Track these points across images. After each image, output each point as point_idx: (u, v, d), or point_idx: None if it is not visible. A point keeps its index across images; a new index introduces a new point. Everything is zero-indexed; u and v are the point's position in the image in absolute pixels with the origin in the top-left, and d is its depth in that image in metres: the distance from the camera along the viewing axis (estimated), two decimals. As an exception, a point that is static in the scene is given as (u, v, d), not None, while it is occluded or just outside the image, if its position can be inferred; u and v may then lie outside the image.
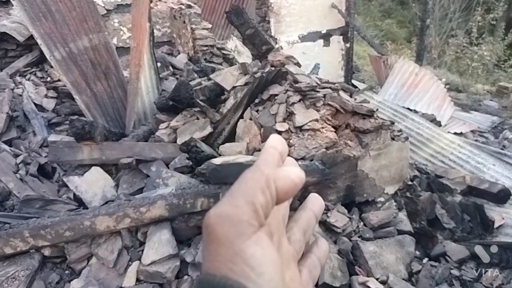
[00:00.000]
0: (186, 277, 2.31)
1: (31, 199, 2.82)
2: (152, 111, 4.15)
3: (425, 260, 2.65)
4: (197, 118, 3.27)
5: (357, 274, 2.37)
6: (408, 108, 5.17)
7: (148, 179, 3.03)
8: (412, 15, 16.50)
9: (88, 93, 4.12)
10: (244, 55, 5.33)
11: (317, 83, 2.96)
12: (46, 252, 2.44)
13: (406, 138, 2.99)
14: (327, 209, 2.63)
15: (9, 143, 4.23)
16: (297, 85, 2.84)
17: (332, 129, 2.80)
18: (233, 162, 2.41)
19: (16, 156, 3.86)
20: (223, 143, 3.09)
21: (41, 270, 2.44)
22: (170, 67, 4.88)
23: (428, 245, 2.78)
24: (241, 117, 3.08)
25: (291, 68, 2.95)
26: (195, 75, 4.29)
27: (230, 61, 5.07)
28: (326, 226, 2.56)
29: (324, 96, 2.89)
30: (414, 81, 5.96)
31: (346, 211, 2.73)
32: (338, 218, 2.58)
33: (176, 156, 3.02)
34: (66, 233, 2.36)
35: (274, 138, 0.47)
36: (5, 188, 3.57)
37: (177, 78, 4.74)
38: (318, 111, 2.82)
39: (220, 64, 4.97)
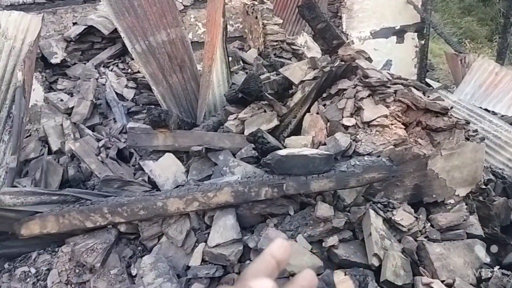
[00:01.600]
0: (248, 261, 2.39)
1: (111, 180, 3.06)
2: (222, 103, 4.30)
3: (496, 268, 2.51)
4: (265, 111, 3.35)
5: (421, 275, 2.31)
6: (486, 109, 4.86)
7: (216, 167, 3.16)
8: (495, 12, 15.36)
9: (164, 85, 4.37)
10: (314, 51, 5.33)
11: (388, 78, 2.90)
12: (122, 228, 2.65)
13: (482, 139, 2.84)
14: (392, 207, 2.58)
15: (92, 128, 4.61)
16: (367, 80, 2.81)
17: (402, 126, 2.74)
18: (298, 154, 2.45)
19: (98, 140, 4.20)
20: (288, 136, 3.14)
21: (116, 244, 2.66)
22: (241, 62, 5.02)
23: (500, 252, 2.63)
24: (308, 111, 3.10)
25: (362, 63, 2.92)
26: (265, 69, 4.37)
27: (299, 56, 5.10)
28: (390, 224, 2.52)
29: (395, 92, 2.83)
30: (494, 81, 5.58)
31: (412, 210, 2.66)
32: (404, 217, 2.52)
33: (243, 147, 3.12)
34: (140, 212, 2.55)
35: (276, 244, 0.51)
36: (88, 169, 3.91)
37: (246, 73, 4.86)
38: (388, 107, 2.76)
39: (289, 59, 5.02)
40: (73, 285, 2.46)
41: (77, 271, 2.50)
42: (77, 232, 2.70)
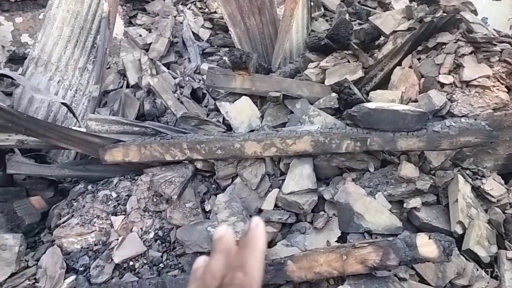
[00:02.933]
0: (322, 212, 2.36)
1: (188, 117, 3.10)
2: (299, 51, 4.15)
3: None
4: (348, 61, 3.18)
5: (506, 249, 2.16)
6: None
7: (291, 115, 3.09)
8: None
9: (241, 27, 4.26)
10: (401, 1, 4.93)
11: (494, 35, 2.61)
12: (199, 165, 2.70)
13: None
14: (482, 175, 2.40)
15: (167, 66, 4.66)
16: (471, 35, 2.54)
17: (505, 89, 2.48)
18: (388, 109, 2.30)
19: (173, 78, 4.25)
20: (372, 89, 2.97)
21: (192, 180, 2.72)
22: (322, 8, 4.76)
23: None
24: (399, 64, 2.89)
25: (467, 16, 2.64)
26: (347, 17, 4.12)
27: (385, 6, 4.74)
28: (478, 193, 2.35)
29: (502, 51, 2.54)
30: None
31: (503, 181, 2.46)
32: (494, 187, 2.34)
33: (322, 97, 3.00)
34: (218, 151, 2.56)
35: (222, 238, 0.56)
36: (163, 104, 3.99)
37: (326, 20, 4.61)
38: (491, 67, 2.50)
39: (374, 8, 4.69)
40: (150, 213, 2.57)
41: (154, 200, 2.61)
42: (155, 164, 2.78)
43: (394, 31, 2.99)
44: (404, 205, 2.24)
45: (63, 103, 3.09)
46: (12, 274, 2.33)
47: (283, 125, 3.05)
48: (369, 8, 4.34)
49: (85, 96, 3.72)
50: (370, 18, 3.26)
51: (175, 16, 4.89)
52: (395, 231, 2.14)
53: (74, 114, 3.15)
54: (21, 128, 2.70)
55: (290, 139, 2.46)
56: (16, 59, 4.94)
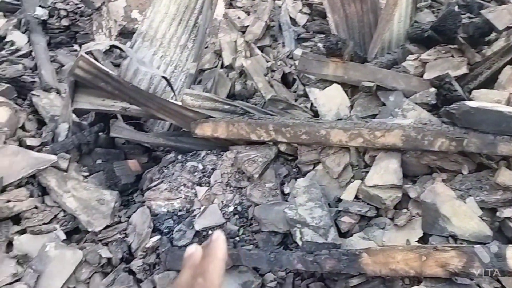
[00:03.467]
0: (405, 210, 2.27)
1: (277, 100, 3.14)
2: (398, 41, 3.96)
3: None
4: (452, 56, 2.97)
5: None
6: None
7: (383, 107, 2.98)
8: None
9: (340, 13, 4.17)
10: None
11: None
12: (282, 147, 2.73)
13: None
14: None
15: (261, 49, 4.74)
16: None
17: None
18: (491, 109, 2.13)
19: (266, 61, 4.32)
20: (476, 88, 2.75)
21: (274, 161, 2.77)
22: (428, -2, 4.48)
23: None
24: (509, 63, 2.64)
25: None
26: (456, 9, 3.83)
27: (500, 0, 4.31)
28: None
29: None
30: None
31: None
32: None
33: (419, 91, 2.85)
34: (302, 136, 2.57)
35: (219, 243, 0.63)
36: (253, 86, 4.08)
37: (433, 11, 4.34)
38: None
39: (488, 1, 4.29)
40: (231, 188, 2.67)
41: (237, 176, 2.70)
42: (240, 142, 2.88)
43: (508, 27, 2.72)
44: (497, 213, 2.07)
45: (163, 77, 3.31)
46: (107, 226, 2.59)
47: (373, 116, 2.96)
48: (482, 1, 3.98)
49: (183, 72, 3.94)
50: (482, 11, 2.99)
51: (274, 0, 4.94)
52: (484, 239, 1.99)
53: (172, 88, 3.35)
54: (126, 96, 2.96)
55: (379, 131, 2.39)
56: (126, 34, 5.37)
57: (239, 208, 2.56)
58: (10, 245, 2.45)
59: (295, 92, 4.06)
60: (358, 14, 4.25)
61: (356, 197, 2.41)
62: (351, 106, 3.10)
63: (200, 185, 2.72)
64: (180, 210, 2.64)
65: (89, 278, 2.38)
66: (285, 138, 2.64)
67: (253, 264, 2.13)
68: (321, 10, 4.69)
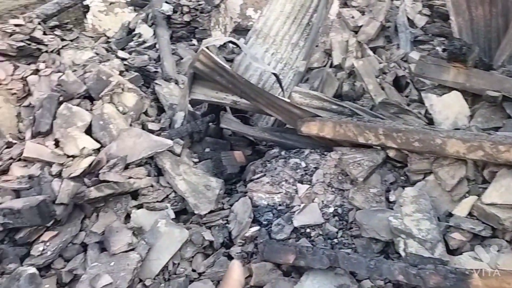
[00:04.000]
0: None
1: (388, 104, 3.03)
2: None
3: None
4: None
5: None
6: None
7: (508, 120, 2.72)
8: None
9: (465, 16, 3.87)
10: None
11: None
12: (391, 153, 2.63)
13: None
14: None
15: (373, 50, 4.60)
16: None
17: None
18: None
19: (378, 63, 4.18)
20: None
21: (381, 167, 2.68)
22: None
23: None
24: None
25: None
26: None
27: None
28: None
29: None
30: None
31: None
32: None
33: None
34: (415, 143, 2.44)
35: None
36: (362, 88, 3.98)
37: None
38: None
39: None
40: (333, 189, 2.65)
41: (339, 178, 2.67)
42: (345, 143, 2.83)
43: None
44: None
45: (274, 74, 3.40)
46: (211, 211, 2.74)
47: (496, 129, 2.71)
48: None
49: (292, 70, 4.00)
50: None
51: (392, 0, 4.76)
52: None
53: (281, 85, 3.42)
54: (237, 90, 3.09)
55: (504, 146, 2.17)
56: (239, 30, 5.60)
57: (339, 210, 2.53)
58: (128, 217, 2.72)
59: (407, 96, 3.87)
60: (486, 18, 3.91)
61: (470, 214, 2.23)
62: (471, 116, 2.87)
63: (301, 182, 2.74)
64: (280, 205, 2.69)
65: (192, 257, 2.55)
66: (395, 144, 2.53)
67: (351, 269, 2.09)
68: (443, 12, 4.41)
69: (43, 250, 2.50)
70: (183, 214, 2.84)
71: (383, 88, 3.71)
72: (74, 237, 2.58)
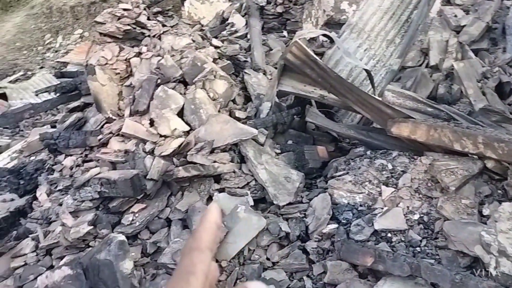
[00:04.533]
0: None
1: (490, 111, 2.80)
2: None
3: None
4: None
5: None
6: None
7: None
8: None
9: None
10: None
11: None
12: (489, 164, 2.43)
13: None
14: None
15: (475, 52, 4.27)
16: None
17: None
18: None
19: (481, 66, 3.87)
20: None
21: (476, 177, 2.49)
22: None
23: None
24: None
25: None
26: None
27: None
28: None
29: None
30: None
31: None
32: None
33: None
34: (519, 155, 2.24)
35: (212, 210, 0.56)
36: (461, 91, 3.72)
37: None
38: None
39: None
40: (420, 195, 2.52)
41: (429, 184, 2.53)
42: (437, 149, 2.67)
43: None
44: None
45: (366, 70, 3.29)
46: (290, 203, 2.75)
47: None
48: None
49: (384, 67, 3.85)
50: None
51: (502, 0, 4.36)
52: None
53: (372, 83, 3.31)
54: (327, 85, 3.05)
55: None
56: (331, 24, 5.49)
57: (425, 218, 2.40)
58: (210, 199, 2.83)
59: (510, 105, 3.55)
60: None
61: None
62: None
63: (386, 185, 2.64)
64: (361, 205, 2.62)
65: (268, 245, 2.58)
66: (496, 155, 2.34)
67: (434, 280, 1.98)
68: None
69: (132, 220, 2.70)
70: (261, 202, 2.89)
71: (484, 94, 3.43)
72: (160, 211, 2.74)
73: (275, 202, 2.75)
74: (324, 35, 3.38)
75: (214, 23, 5.72)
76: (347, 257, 2.27)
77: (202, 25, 5.93)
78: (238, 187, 2.83)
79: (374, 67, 3.78)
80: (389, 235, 2.41)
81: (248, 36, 4.91)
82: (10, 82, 6.42)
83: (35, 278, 2.50)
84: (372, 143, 3.06)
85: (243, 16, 5.47)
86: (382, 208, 2.52)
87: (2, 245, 2.93)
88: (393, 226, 2.40)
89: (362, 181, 2.70)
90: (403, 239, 2.38)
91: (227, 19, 5.61)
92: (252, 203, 2.76)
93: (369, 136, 3.12)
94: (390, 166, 2.73)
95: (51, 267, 2.60)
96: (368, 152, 2.95)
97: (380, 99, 2.87)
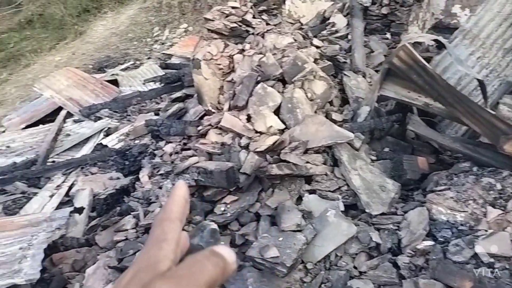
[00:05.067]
0: None
1: None
2: None
3: None
4: None
5: None
6: None
7: None
8: None
9: None
10: None
11: None
12: None
13: None
14: None
15: None
16: None
17: None
18: None
19: None
20: None
21: None
22: None
23: None
24: None
25: None
26: None
27: None
28: None
29: None
30: None
31: None
32: None
33: None
34: None
35: (180, 186, 0.56)
36: None
37: None
38: None
39: None
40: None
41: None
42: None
43: None
44: None
45: (478, 80, 3.04)
46: (382, 213, 2.66)
47: None
48: None
49: (498, 78, 3.52)
50: None
51: None
52: None
53: (484, 94, 3.06)
54: (434, 92, 2.88)
55: None
56: (439, 28, 5.15)
57: (538, 248, 2.17)
58: (299, 199, 2.84)
59: None
60: None
61: None
62: None
63: (493, 206, 2.43)
64: (462, 224, 2.44)
65: (356, 254, 2.53)
66: None
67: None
68: None
69: (224, 210, 2.80)
70: (352, 209, 2.83)
71: None
72: (251, 206, 2.81)
73: (367, 210, 2.68)
74: (436, 40, 3.19)
75: (314, 22, 5.68)
76: (443, 278, 2.14)
77: (302, 24, 5.94)
78: (329, 191, 2.80)
79: (486, 77, 3.47)
80: (491, 260, 2.22)
81: (349, 36, 4.79)
82: (121, 70, 7.00)
83: (134, 253, 2.72)
84: (480, 159, 2.82)
85: (345, 16, 5.35)
86: (486, 231, 2.33)
87: (107, 218, 3.23)
88: (498, 251, 2.21)
89: (466, 199, 2.52)
90: (507, 267, 2.18)
91: (328, 19, 5.53)
92: (342, 208, 2.71)
93: (477, 151, 2.88)
94: (499, 186, 2.50)
95: (148, 245, 2.79)
96: (475, 169, 2.73)
97: (493, 112, 2.64)
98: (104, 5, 10.29)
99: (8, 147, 4.92)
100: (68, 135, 5.00)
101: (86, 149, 4.66)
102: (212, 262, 0.48)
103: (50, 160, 4.55)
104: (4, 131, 5.68)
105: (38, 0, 11.98)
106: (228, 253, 0.50)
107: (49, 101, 5.74)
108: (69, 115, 5.43)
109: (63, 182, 3.97)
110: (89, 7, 10.36)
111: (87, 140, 4.84)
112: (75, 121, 5.28)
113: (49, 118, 5.64)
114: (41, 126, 5.35)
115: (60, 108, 5.54)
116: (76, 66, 7.34)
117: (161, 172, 3.31)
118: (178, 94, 4.83)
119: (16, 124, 5.70)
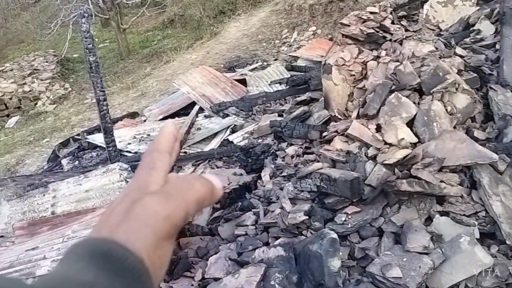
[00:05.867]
0: None
1: None
2: None
3: None
4: None
5: None
6: None
7: None
8: None
9: None
10: None
11: None
12: None
13: None
14: None
15: None
16: None
17: None
18: None
19: None
20: None
21: None
22: None
23: None
24: None
25: None
26: None
27: None
28: None
29: None
30: None
31: None
32: None
33: None
34: None
35: (170, 124, 0.56)
36: None
37: None
38: None
39: None
40: None
41: None
42: None
43: None
44: None
45: None
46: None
47: None
48: None
49: None
50: None
51: None
52: None
53: None
54: None
55: None
56: None
57: None
58: (428, 219, 2.64)
59: None
60: None
61: None
62: None
63: None
64: None
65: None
66: None
67: None
68: None
69: (345, 221, 2.75)
70: (489, 238, 2.55)
71: None
72: (374, 220, 2.71)
73: (507, 242, 2.39)
74: None
75: (456, 28, 5.22)
76: None
77: (441, 30, 5.53)
78: (464, 215, 2.56)
79: None
80: None
81: (497, 46, 4.31)
82: (250, 70, 7.32)
83: (253, 249, 2.81)
84: None
85: (492, 23, 4.83)
86: None
87: (229, 212, 3.40)
88: None
89: None
90: None
91: (473, 25, 5.05)
92: (478, 235, 2.46)
93: None
94: None
95: (266, 244, 2.87)
96: None
97: None
98: (239, 7, 10.87)
99: (148, 135, 5.49)
100: (199, 129, 5.40)
101: (214, 144, 4.98)
102: (201, 182, 0.50)
103: (182, 151, 4.96)
104: (145, 120, 6.36)
105: (180, 1, 13.16)
106: (215, 180, 0.52)
107: (184, 96, 6.27)
108: (200, 110, 5.86)
109: (193, 172, 4.30)
110: (225, 9, 11.04)
111: (215, 135, 5.17)
112: (206, 117, 5.68)
113: (183, 111, 6.17)
114: (176, 118, 5.87)
115: (193, 103, 6.01)
116: (209, 64, 7.89)
117: (283, 174, 3.37)
118: (303, 97, 4.88)
119: (155, 114, 6.35)
